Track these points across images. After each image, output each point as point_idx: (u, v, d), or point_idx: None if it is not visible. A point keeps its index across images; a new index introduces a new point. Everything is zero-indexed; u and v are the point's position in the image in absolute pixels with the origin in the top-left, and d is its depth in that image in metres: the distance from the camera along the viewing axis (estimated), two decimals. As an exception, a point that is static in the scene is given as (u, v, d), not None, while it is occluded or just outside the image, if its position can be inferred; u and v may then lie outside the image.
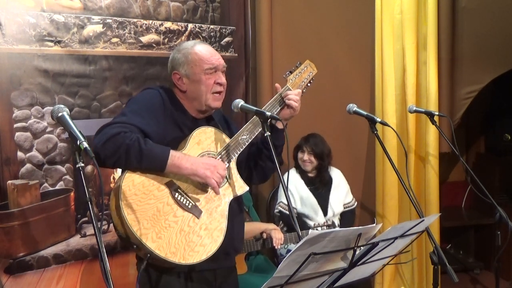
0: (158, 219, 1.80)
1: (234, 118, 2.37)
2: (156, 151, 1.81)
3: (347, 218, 3.42)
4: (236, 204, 2.07)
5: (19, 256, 2.76)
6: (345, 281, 1.69)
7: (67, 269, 2.92)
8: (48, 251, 2.86)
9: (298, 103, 2.09)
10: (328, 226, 3.06)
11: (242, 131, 2.03)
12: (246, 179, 2.18)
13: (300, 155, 3.36)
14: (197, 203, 1.90)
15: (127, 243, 1.83)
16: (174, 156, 1.83)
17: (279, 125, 2.10)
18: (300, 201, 3.31)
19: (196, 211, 1.89)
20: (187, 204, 1.88)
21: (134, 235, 1.74)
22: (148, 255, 1.78)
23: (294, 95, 2.09)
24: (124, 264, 3.10)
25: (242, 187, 2.02)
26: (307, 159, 3.33)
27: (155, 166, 1.82)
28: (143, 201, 1.80)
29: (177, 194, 1.87)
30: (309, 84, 2.27)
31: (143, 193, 1.80)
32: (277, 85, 2.15)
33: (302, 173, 3.39)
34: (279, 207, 3.31)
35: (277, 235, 2.94)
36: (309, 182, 3.37)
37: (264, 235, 2.97)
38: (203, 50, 2.01)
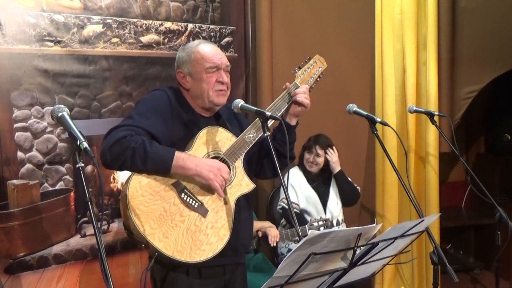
0: (165, 219, 1.85)
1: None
2: (161, 153, 1.85)
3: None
4: (245, 201, 2.09)
5: (19, 256, 2.76)
6: (345, 281, 1.69)
7: (67, 269, 2.92)
8: (48, 251, 2.86)
9: (308, 99, 2.11)
10: (325, 221, 3.05)
11: (249, 129, 2.04)
12: (258, 173, 2.24)
13: (307, 155, 3.35)
14: (203, 203, 1.93)
15: (136, 241, 1.88)
16: (179, 157, 1.86)
17: (292, 122, 2.13)
18: (305, 199, 3.32)
19: (202, 211, 1.91)
20: (193, 204, 1.91)
21: (142, 235, 1.79)
22: (156, 253, 1.83)
23: (302, 93, 2.10)
24: (124, 264, 3.11)
25: (248, 185, 2.03)
26: (313, 160, 3.33)
27: (160, 168, 1.86)
28: (150, 202, 1.84)
29: (183, 194, 1.90)
30: (318, 79, 2.27)
31: (150, 194, 1.85)
32: (287, 84, 2.16)
33: (305, 171, 3.39)
34: (282, 203, 3.32)
35: (273, 233, 2.95)
36: (311, 179, 3.38)
37: (260, 233, 2.97)
38: (206, 49, 2.03)
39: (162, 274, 2.01)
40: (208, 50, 2.03)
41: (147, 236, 1.79)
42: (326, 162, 3.37)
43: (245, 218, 2.11)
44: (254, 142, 2.04)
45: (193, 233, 1.88)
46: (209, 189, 1.94)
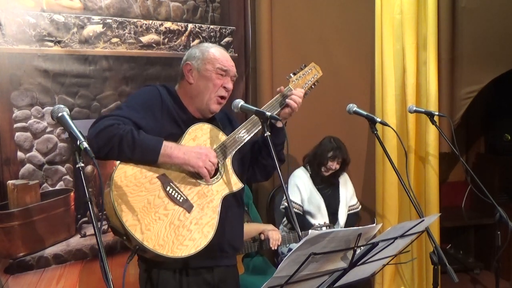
0: (148, 211, 1.81)
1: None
2: (149, 141, 1.84)
3: (351, 220, 3.43)
4: (234, 200, 2.07)
5: (19, 256, 2.77)
6: (345, 281, 1.69)
7: (67, 269, 2.92)
8: (48, 251, 2.86)
9: (298, 104, 2.10)
10: (328, 227, 3.06)
11: (239, 128, 2.04)
12: (251, 177, 2.22)
13: (330, 163, 3.31)
14: (189, 198, 1.90)
15: (118, 234, 1.84)
16: (167, 146, 1.85)
17: (279, 124, 2.09)
18: (307, 200, 3.32)
19: (187, 206, 1.88)
20: (178, 198, 1.88)
21: (123, 226, 1.75)
22: (137, 247, 1.79)
23: (296, 96, 2.09)
24: (124, 264, 3.09)
25: (236, 184, 2.01)
26: (335, 168, 3.34)
27: (147, 156, 1.84)
28: (134, 193, 1.80)
29: (169, 187, 1.87)
30: (313, 86, 2.27)
31: (134, 185, 1.81)
32: (281, 88, 2.15)
33: (313, 173, 3.39)
34: (285, 203, 3.32)
35: (275, 236, 2.94)
36: (317, 181, 3.39)
37: (262, 236, 2.97)
38: (219, 53, 2.05)
39: (150, 275, 1.98)
40: (222, 54, 2.05)
41: (128, 227, 1.74)
42: (343, 168, 3.41)
43: (234, 217, 2.08)
44: (245, 141, 2.02)
45: (176, 227, 1.84)
46: (195, 184, 1.92)
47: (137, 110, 1.91)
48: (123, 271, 1.79)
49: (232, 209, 2.06)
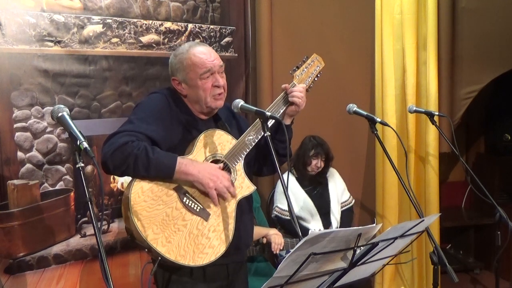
0: (167, 224, 1.86)
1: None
2: (163, 159, 1.85)
3: (345, 216, 3.41)
4: (246, 202, 2.11)
5: (19, 256, 2.76)
6: (345, 281, 1.69)
7: (67, 269, 2.92)
8: (48, 251, 2.86)
9: (303, 100, 2.10)
10: None
11: (248, 131, 2.04)
12: (257, 171, 2.26)
13: (314, 161, 3.30)
14: (205, 206, 1.94)
15: (140, 246, 1.90)
16: (181, 163, 1.87)
17: (286, 122, 2.12)
18: (298, 205, 3.29)
19: (204, 214, 1.93)
20: (195, 208, 1.92)
21: (145, 241, 1.81)
22: (159, 257, 1.84)
23: (298, 92, 2.09)
24: (124, 264, 3.11)
25: (249, 188, 2.05)
26: (320, 165, 3.32)
27: (162, 174, 1.87)
28: (152, 207, 1.85)
29: (185, 198, 1.91)
30: (316, 79, 2.26)
31: (152, 199, 1.86)
32: (286, 85, 2.15)
33: (300, 176, 3.37)
34: (275, 212, 3.30)
35: (277, 240, 2.94)
36: (303, 184, 3.35)
37: (264, 240, 2.96)
38: (197, 53, 2.01)
39: (166, 277, 2.02)
40: (199, 54, 2.00)
41: (150, 241, 1.81)
42: (327, 166, 3.37)
43: (247, 220, 2.13)
44: (254, 144, 2.03)
45: (195, 237, 1.89)
46: None
47: (149, 122, 1.92)
48: (140, 279, 1.82)
49: (245, 212, 2.10)
